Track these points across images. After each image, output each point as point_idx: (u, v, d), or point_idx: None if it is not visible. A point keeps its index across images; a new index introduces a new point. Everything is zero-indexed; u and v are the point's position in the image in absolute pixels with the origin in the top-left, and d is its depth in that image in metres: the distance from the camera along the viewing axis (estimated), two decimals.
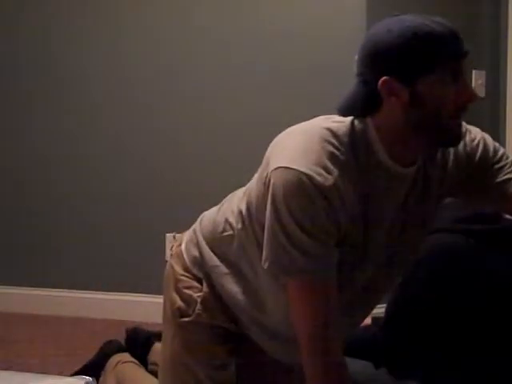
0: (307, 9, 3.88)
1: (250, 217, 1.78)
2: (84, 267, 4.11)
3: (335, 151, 1.62)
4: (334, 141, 1.64)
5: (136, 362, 2.58)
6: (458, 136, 1.67)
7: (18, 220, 4.30)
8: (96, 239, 4.13)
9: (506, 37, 4.05)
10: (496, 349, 2.02)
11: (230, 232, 1.86)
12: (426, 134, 1.63)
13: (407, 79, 1.58)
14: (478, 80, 4.16)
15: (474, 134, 1.82)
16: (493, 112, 4.17)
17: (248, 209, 1.79)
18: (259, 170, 1.77)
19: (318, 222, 1.59)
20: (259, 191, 1.72)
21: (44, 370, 3.10)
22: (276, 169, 1.63)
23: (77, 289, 4.11)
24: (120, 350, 2.69)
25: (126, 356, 2.62)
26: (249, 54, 3.93)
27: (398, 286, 2.09)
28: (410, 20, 1.61)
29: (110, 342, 2.76)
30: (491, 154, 1.80)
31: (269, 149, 1.73)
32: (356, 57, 1.66)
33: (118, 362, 2.57)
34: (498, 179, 1.77)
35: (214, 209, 1.98)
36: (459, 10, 4.10)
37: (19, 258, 4.28)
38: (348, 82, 4.39)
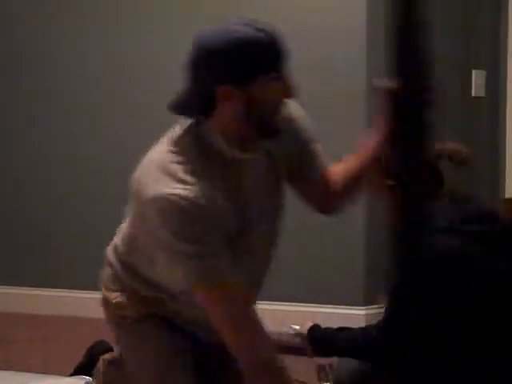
0: (307, 8, 3.88)
1: (136, 243, 1.99)
2: (84, 267, 4.11)
3: (188, 166, 1.80)
4: (181, 158, 1.81)
5: None
6: (278, 130, 1.84)
7: (18, 220, 4.30)
8: (96, 239, 4.12)
9: (506, 37, 4.05)
10: (496, 349, 2.02)
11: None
12: (255, 130, 1.82)
13: (238, 84, 1.76)
14: (477, 80, 4.16)
15: (297, 112, 1.98)
16: (493, 112, 4.17)
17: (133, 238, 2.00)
18: (131, 204, 1.92)
19: (202, 229, 1.76)
20: (137, 221, 1.91)
21: (44, 370, 3.10)
22: (146, 202, 1.79)
23: (77, 289, 4.12)
24: (109, 349, 2.66)
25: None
26: None
27: (396, 287, 2.10)
28: (235, 28, 1.79)
29: (98, 342, 2.75)
30: (308, 132, 2.00)
31: (132, 187, 1.89)
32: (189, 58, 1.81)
33: None
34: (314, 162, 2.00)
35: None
36: (459, 10, 4.10)
37: (19, 258, 4.28)
38: (347, 80, 4.40)
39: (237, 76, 1.75)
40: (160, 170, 1.81)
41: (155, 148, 1.93)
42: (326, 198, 2.05)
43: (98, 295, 2.22)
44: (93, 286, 4.10)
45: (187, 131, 1.87)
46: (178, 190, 1.75)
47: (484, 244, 2.06)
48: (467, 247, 2.04)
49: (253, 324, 1.84)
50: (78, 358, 2.84)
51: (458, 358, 2.02)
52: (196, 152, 1.83)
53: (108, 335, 2.84)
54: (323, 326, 2.41)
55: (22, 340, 3.63)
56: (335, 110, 3.88)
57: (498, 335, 2.02)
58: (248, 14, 3.93)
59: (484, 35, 4.16)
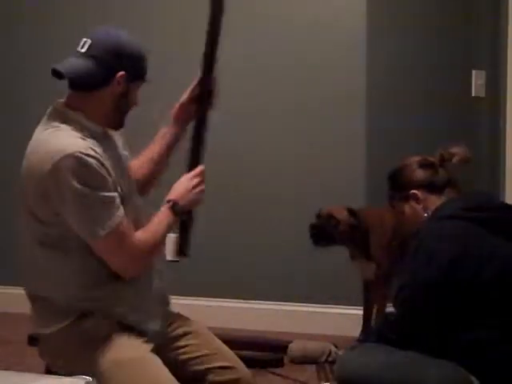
0: (307, 9, 3.88)
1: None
2: None
3: (68, 133, 2.10)
4: (60, 132, 2.14)
5: None
6: (122, 125, 2.26)
7: (19, 220, 4.29)
8: None
9: (505, 37, 4.05)
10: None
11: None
12: (117, 115, 2.20)
13: (132, 78, 2.15)
14: (478, 80, 4.16)
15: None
16: (493, 112, 4.17)
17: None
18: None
19: (100, 176, 2.03)
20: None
21: (44, 370, 3.10)
22: (47, 172, 2.13)
23: None
24: None
25: None
26: (248, 54, 3.93)
27: (410, 272, 2.18)
28: (127, 37, 2.18)
29: None
30: None
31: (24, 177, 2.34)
32: (89, 41, 2.25)
33: None
34: None
35: None
36: (459, 9, 4.10)
37: (19, 258, 4.27)
38: (347, 79, 4.37)
39: (133, 69, 2.13)
40: (47, 144, 2.10)
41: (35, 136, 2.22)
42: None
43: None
44: None
45: (54, 116, 2.22)
46: (78, 148, 2.02)
47: (495, 230, 2.20)
48: (479, 233, 2.18)
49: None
50: None
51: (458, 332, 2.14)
52: (69, 128, 2.11)
53: None
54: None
55: (22, 340, 3.63)
56: (335, 109, 3.88)
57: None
58: (248, 14, 3.94)
59: (484, 35, 4.15)
